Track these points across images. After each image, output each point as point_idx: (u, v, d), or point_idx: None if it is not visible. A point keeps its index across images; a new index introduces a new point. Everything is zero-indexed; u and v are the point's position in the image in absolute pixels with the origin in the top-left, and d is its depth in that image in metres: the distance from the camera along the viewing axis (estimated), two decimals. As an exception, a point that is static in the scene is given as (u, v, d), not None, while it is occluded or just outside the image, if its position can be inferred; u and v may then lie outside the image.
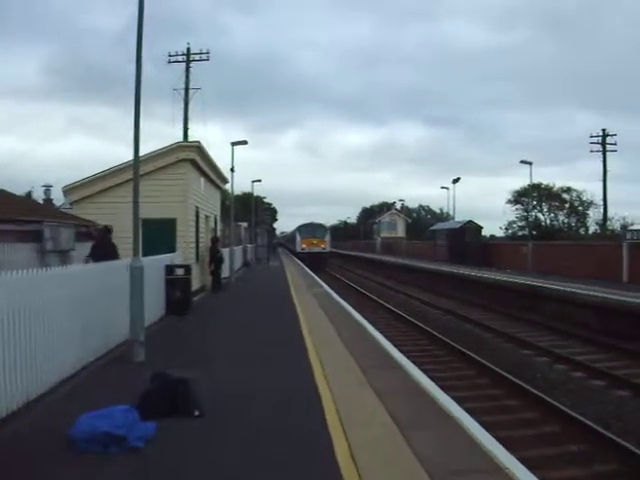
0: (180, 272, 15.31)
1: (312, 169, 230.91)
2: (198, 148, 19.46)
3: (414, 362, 9.91)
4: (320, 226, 56.88)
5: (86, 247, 16.54)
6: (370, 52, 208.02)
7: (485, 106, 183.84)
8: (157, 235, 18.60)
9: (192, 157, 18.97)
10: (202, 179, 21.87)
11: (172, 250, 18.14)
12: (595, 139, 46.89)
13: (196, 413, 6.33)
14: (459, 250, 43.27)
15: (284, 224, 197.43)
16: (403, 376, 8.51)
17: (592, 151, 47.23)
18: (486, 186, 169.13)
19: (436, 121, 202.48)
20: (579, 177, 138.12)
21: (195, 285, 20.12)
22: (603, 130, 47.50)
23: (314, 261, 46.66)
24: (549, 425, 9.15)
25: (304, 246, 52.92)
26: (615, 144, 47.75)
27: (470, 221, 44.59)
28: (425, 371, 9.37)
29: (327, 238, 54.29)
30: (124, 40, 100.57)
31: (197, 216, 20.71)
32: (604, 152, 47.88)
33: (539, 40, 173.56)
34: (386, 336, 12.64)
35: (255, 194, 53.48)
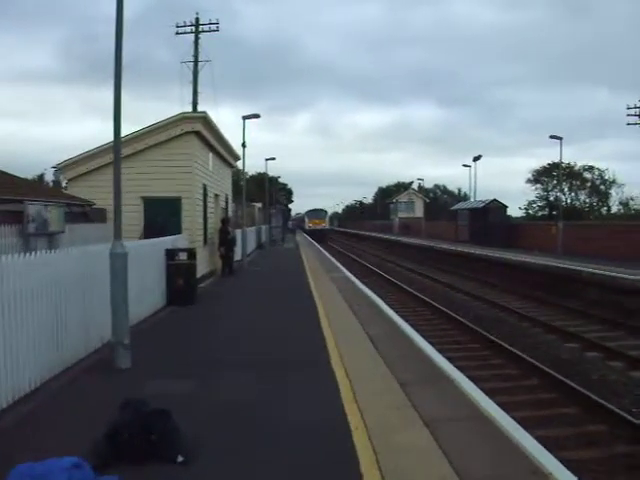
0: (183, 257, 13.59)
1: (326, 150, 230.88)
2: (204, 119, 17.67)
3: (459, 367, 8.19)
4: (322, 211, 76.19)
5: (82, 229, 14.98)
6: (381, 33, 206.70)
7: (498, 86, 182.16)
8: (160, 215, 17.01)
9: (197, 129, 17.20)
10: (210, 154, 20.13)
11: (177, 232, 16.50)
12: (633, 110, 43.69)
13: (179, 459, 4.55)
14: (482, 231, 41.26)
15: (300, 205, 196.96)
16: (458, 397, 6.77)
17: (629, 124, 44.13)
18: (501, 166, 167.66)
19: (448, 101, 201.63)
20: (595, 157, 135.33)
21: (203, 270, 18.47)
22: None
23: (317, 234, 62.13)
24: None
25: (310, 225, 70.94)
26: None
27: (494, 200, 42.44)
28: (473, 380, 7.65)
29: (326, 219, 73.61)
30: (137, 27, 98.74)
31: (205, 194, 19.00)
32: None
33: (552, 19, 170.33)
34: (421, 332, 10.96)
35: (270, 174, 52.01)
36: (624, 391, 9.89)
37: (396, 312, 12.97)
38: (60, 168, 17.50)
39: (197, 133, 17.32)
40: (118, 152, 7.84)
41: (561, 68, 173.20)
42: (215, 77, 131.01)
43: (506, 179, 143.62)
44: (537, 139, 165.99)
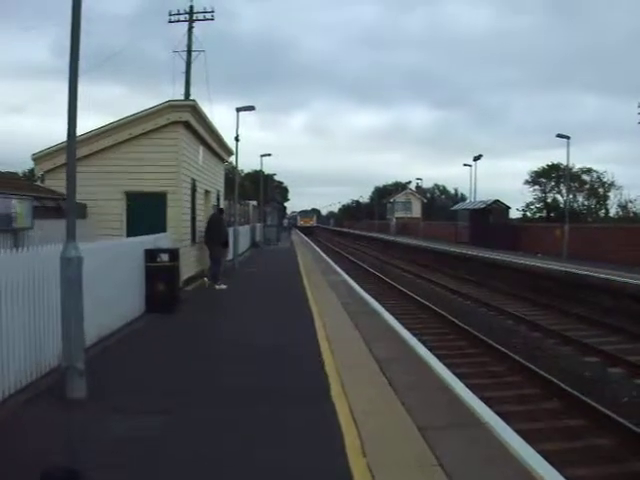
0: (165, 258, 12.19)
1: (322, 150, 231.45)
2: (192, 108, 16.26)
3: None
4: (311, 211, 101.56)
5: (54, 225, 13.60)
6: (377, 34, 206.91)
7: (491, 89, 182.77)
8: (144, 212, 15.65)
9: (186, 119, 15.79)
10: (201, 147, 18.75)
11: (163, 230, 15.14)
12: None
13: None
14: (483, 232, 39.96)
15: (296, 203, 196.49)
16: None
17: None
18: (495, 168, 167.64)
19: (443, 103, 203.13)
20: (590, 160, 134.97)
21: (190, 271, 17.12)
22: None
23: (307, 230, 77.80)
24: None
25: (302, 222, 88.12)
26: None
27: (497, 201, 41.15)
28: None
29: (314, 218, 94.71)
30: (136, 24, 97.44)
31: (194, 190, 17.62)
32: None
33: (545, 24, 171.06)
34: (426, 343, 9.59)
35: (265, 172, 50.67)
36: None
37: (404, 325, 11.50)
38: (35, 159, 16.07)
39: (185, 123, 15.93)
40: (73, 134, 6.42)
41: (554, 72, 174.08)
42: (210, 76, 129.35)
43: (501, 181, 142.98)
44: (531, 141, 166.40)
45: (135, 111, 15.85)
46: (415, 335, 10.43)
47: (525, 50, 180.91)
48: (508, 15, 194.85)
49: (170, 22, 29.84)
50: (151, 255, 12.08)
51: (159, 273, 12.02)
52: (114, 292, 10.03)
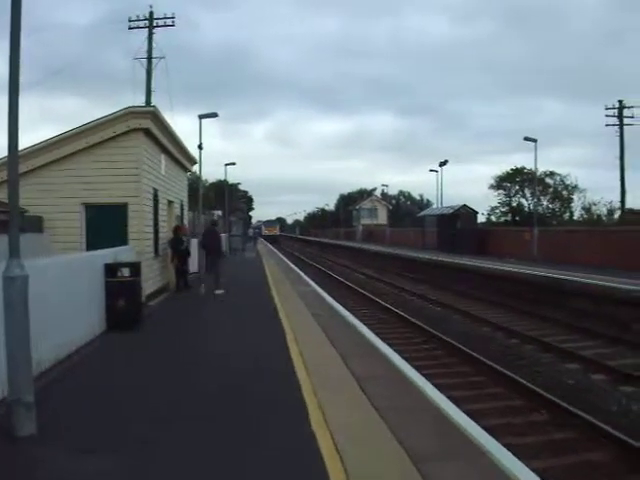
0: (125, 273, 11.47)
1: (286, 158, 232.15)
2: (153, 114, 15.53)
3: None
4: (275, 221, 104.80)
5: (3, 241, 12.78)
6: (339, 44, 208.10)
7: (452, 97, 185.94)
8: (104, 224, 14.89)
9: (146, 126, 15.07)
10: (163, 156, 18.03)
11: (124, 243, 14.39)
12: (611, 111, 42.64)
13: None
14: (451, 237, 39.77)
15: (261, 212, 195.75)
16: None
17: (607, 125, 43.13)
18: (458, 174, 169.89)
19: (405, 111, 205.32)
20: (550, 163, 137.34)
21: (154, 286, 16.39)
22: (620, 102, 42.58)
23: (271, 239, 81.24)
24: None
25: (266, 231, 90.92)
26: (633, 117, 43.29)
27: (464, 205, 40.99)
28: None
29: (278, 227, 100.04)
30: (94, 34, 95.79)
31: (156, 200, 16.88)
32: (621, 126, 42.80)
33: (501, 33, 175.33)
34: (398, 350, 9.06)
35: (230, 181, 49.87)
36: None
37: (382, 339, 10.87)
38: (-14, 170, 15.16)
39: (146, 131, 15.20)
40: (15, 144, 5.74)
41: (513, 79, 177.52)
42: (172, 86, 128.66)
43: (465, 186, 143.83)
44: (493, 147, 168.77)
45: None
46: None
47: (485, 58, 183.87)
48: (467, 24, 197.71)
49: (130, 28, 28.99)
50: (111, 270, 11.34)
51: (120, 289, 11.29)
52: (71, 310, 9.31)
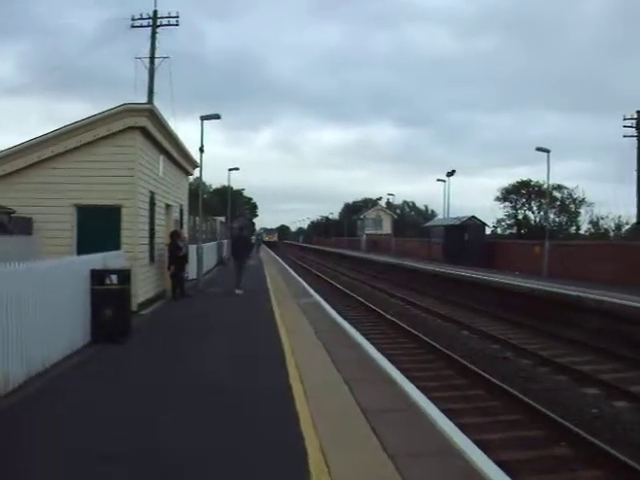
0: (113, 280, 10.57)
1: (290, 167, 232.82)
2: (150, 112, 14.68)
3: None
4: (274, 229, 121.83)
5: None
6: (342, 55, 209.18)
7: (455, 108, 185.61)
8: (96, 227, 14.05)
9: (143, 124, 14.23)
10: (161, 157, 17.19)
11: (118, 247, 13.54)
12: (629, 122, 41.70)
13: None
14: (458, 249, 38.78)
15: (266, 219, 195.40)
16: None
17: (625, 136, 42.20)
18: (462, 185, 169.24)
19: (408, 121, 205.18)
20: (556, 177, 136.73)
21: (148, 293, 15.54)
22: (638, 112, 41.57)
23: (271, 244, 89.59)
24: None
25: (267, 238, 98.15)
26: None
27: (472, 217, 40.03)
28: None
29: (276, 235, 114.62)
30: (99, 39, 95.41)
31: (152, 204, 16.03)
32: (640, 137, 42.09)
33: (504, 46, 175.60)
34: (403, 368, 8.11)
35: (234, 187, 49.10)
36: None
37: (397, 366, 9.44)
38: (-26, 169, 14.33)
39: (142, 129, 14.36)
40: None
41: (516, 92, 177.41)
42: (175, 93, 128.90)
43: (468, 197, 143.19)
44: (495, 159, 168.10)
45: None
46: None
47: (487, 70, 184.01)
48: (469, 37, 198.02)
49: (133, 27, 28.26)
50: (98, 276, 10.46)
51: (107, 297, 10.40)
52: (49, 320, 8.45)
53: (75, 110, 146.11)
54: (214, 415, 6.45)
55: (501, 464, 5.33)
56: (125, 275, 10.91)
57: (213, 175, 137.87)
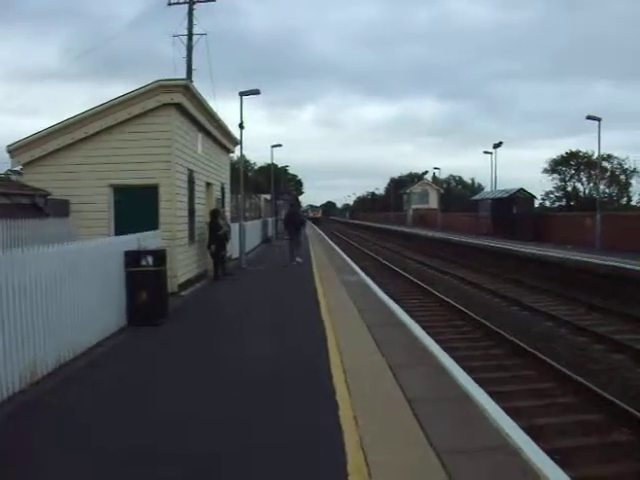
0: (149, 261, 10.28)
1: (334, 142, 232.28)
2: (185, 87, 14.28)
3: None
4: (318, 206, 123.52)
5: (31, 225, 11.83)
6: (383, 30, 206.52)
7: (498, 80, 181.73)
8: (134, 207, 13.83)
9: (178, 100, 13.87)
10: (200, 135, 16.87)
11: (156, 227, 13.29)
12: None
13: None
14: (506, 223, 37.75)
15: (312, 196, 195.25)
16: None
17: None
18: (508, 158, 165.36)
19: (450, 95, 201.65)
20: (603, 147, 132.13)
21: (189, 274, 15.32)
22: None
23: (315, 220, 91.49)
24: None
25: (311, 214, 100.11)
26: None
27: (521, 189, 38.82)
28: None
29: (320, 211, 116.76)
30: (140, 25, 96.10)
31: (191, 182, 15.74)
32: None
33: (548, 14, 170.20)
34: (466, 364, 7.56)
35: (278, 165, 48.74)
36: None
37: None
38: (11, 151, 14.22)
39: (178, 106, 14.01)
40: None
41: (561, 61, 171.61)
42: (217, 74, 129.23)
43: (514, 170, 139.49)
44: (541, 131, 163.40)
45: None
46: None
47: (530, 41, 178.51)
48: (505, 8, 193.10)
49: (170, 4, 27.87)
50: (132, 258, 10.18)
51: (143, 279, 10.12)
52: (83, 303, 8.20)
53: (118, 93, 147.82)
54: (258, 399, 6.08)
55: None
56: (161, 256, 10.60)
57: (258, 153, 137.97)
